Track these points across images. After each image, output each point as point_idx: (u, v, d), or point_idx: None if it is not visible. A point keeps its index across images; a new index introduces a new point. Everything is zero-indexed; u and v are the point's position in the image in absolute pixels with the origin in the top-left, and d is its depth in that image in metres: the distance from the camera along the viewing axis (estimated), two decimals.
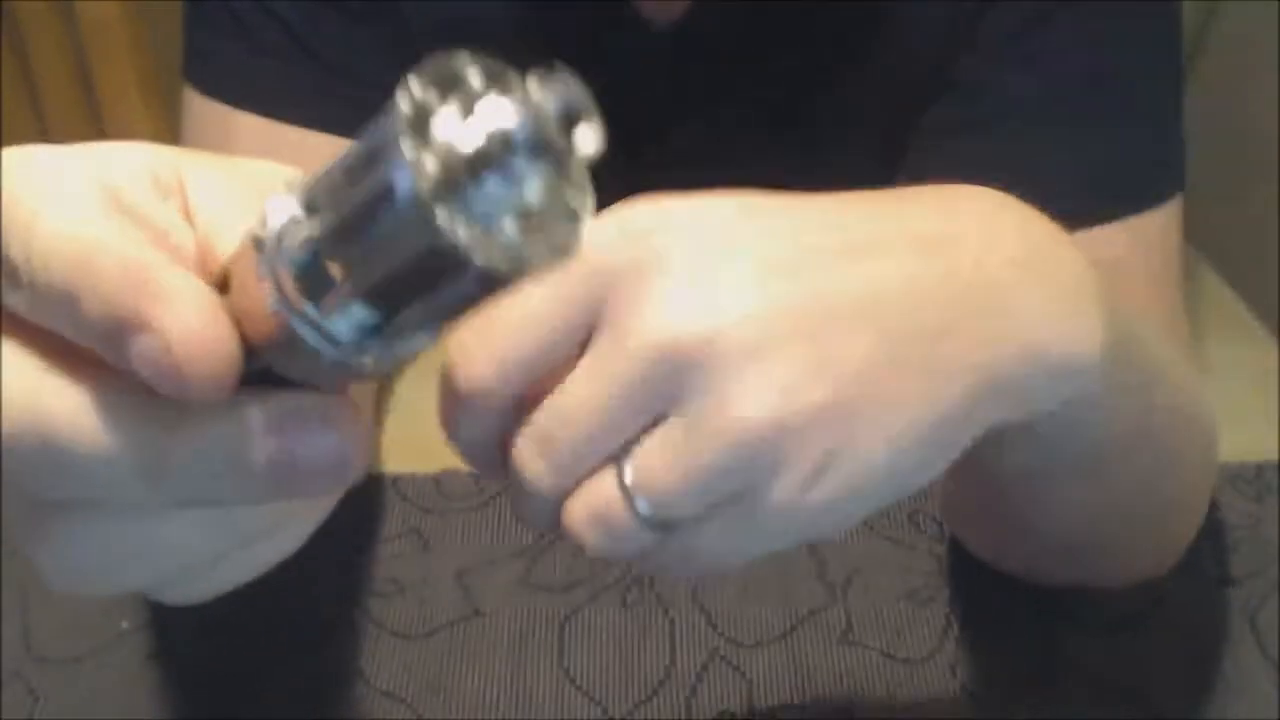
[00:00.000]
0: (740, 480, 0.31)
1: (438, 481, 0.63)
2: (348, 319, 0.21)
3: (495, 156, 0.18)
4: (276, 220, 0.21)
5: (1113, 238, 0.53)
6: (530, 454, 0.33)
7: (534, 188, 0.19)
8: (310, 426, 0.23)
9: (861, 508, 0.32)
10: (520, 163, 0.18)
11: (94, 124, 1.00)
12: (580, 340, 0.32)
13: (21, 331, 0.24)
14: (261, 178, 0.27)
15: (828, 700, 0.53)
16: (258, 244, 0.21)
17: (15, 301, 0.23)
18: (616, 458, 0.32)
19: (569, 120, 0.19)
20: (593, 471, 0.32)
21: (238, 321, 0.22)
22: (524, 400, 0.33)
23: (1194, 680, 0.54)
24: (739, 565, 0.33)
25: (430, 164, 0.18)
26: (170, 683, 0.54)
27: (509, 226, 0.19)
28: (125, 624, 0.57)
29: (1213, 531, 0.60)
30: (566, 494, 0.33)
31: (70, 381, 0.23)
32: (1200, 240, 0.78)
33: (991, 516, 0.53)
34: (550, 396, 0.32)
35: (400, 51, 0.57)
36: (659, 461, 0.31)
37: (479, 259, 0.19)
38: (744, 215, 0.32)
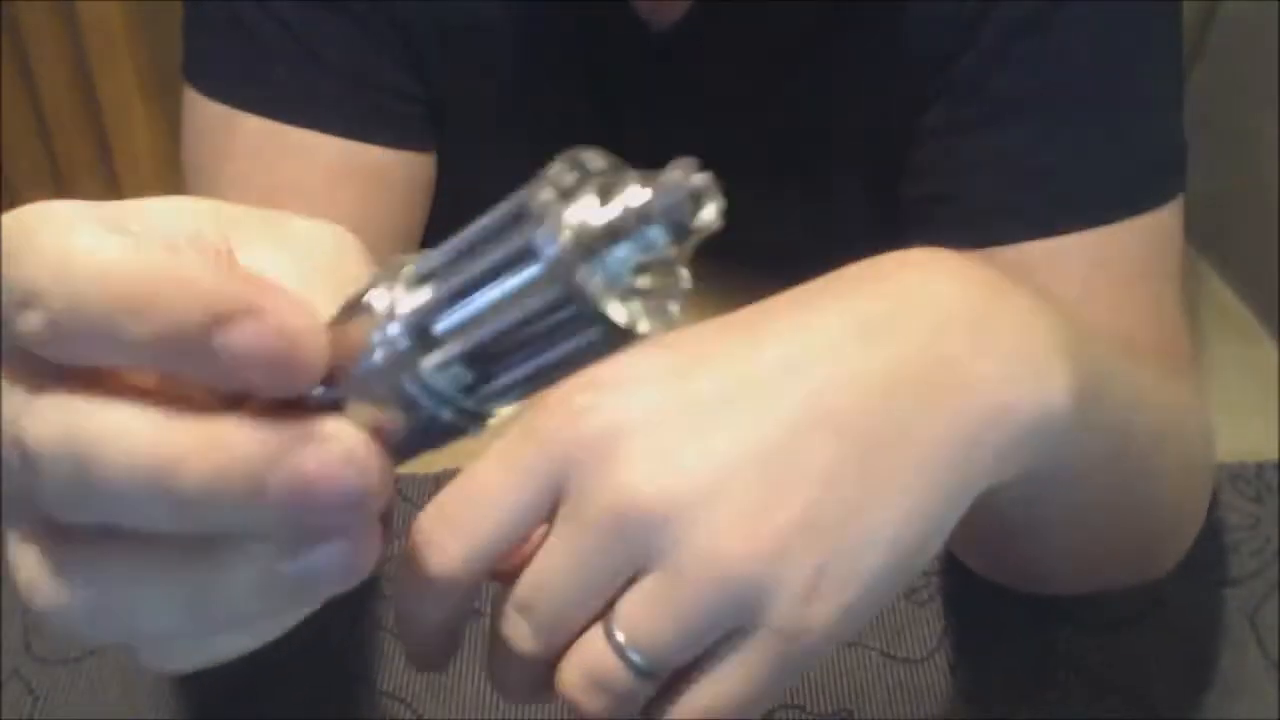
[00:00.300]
0: (733, 616, 0.31)
1: (438, 481, 0.63)
2: (448, 377, 0.22)
3: (631, 227, 0.20)
4: (384, 290, 0.22)
5: (1114, 238, 0.53)
6: (513, 620, 0.33)
7: (662, 254, 0.21)
8: (337, 452, 0.22)
9: (873, 605, 0.32)
10: (656, 234, 0.20)
11: (94, 124, 1.00)
12: (545, 515, 0.33)
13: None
14: (310, 236, 0.26)
15: (827, 700, 0.53)
16: (365, 305, 0.22)
17: (30, 328, 0.21)
18: (603, 616, 0.32)
19: (695, 200, 0.21)
20: (579, 632, 0.33)
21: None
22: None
23: (1194, 680, 0.54)
24: (768, 703, 0.33)
25: (569, 232, 0.20)
26: (170, 683, 0.54)
27: (628, 290, 0.21)
28: None
29: (1213, 531, 0.60)
30: (553, 656, 0.33)
31: (103, 404, 0.22)
32: (1200, 240, 0.78)
33: (975, 543, 0.54)
34: (527, 569, 0.33)
35: (401, 52, 0.57)
36: (646, 614, 0.31)
37: (610, 312, 0.20)
38: (673, 371, 0.33)
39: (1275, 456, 0.64)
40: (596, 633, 0.32)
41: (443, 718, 0.53)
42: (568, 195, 0.21)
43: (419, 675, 0.55)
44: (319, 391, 0.23)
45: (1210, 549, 0.59)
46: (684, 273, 0.22)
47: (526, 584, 0.33)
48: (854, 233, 0.67)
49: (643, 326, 0.21)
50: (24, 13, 0.96)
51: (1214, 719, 0.53)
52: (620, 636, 0.32)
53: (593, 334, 0.21)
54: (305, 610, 0.26)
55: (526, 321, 0.21)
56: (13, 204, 0.23)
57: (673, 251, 0.21)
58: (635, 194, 0.20)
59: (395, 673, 0.55)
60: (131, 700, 0.54)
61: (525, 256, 0.21)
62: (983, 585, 0.53)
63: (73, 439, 0.21)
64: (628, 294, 0.21)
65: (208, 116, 0.56)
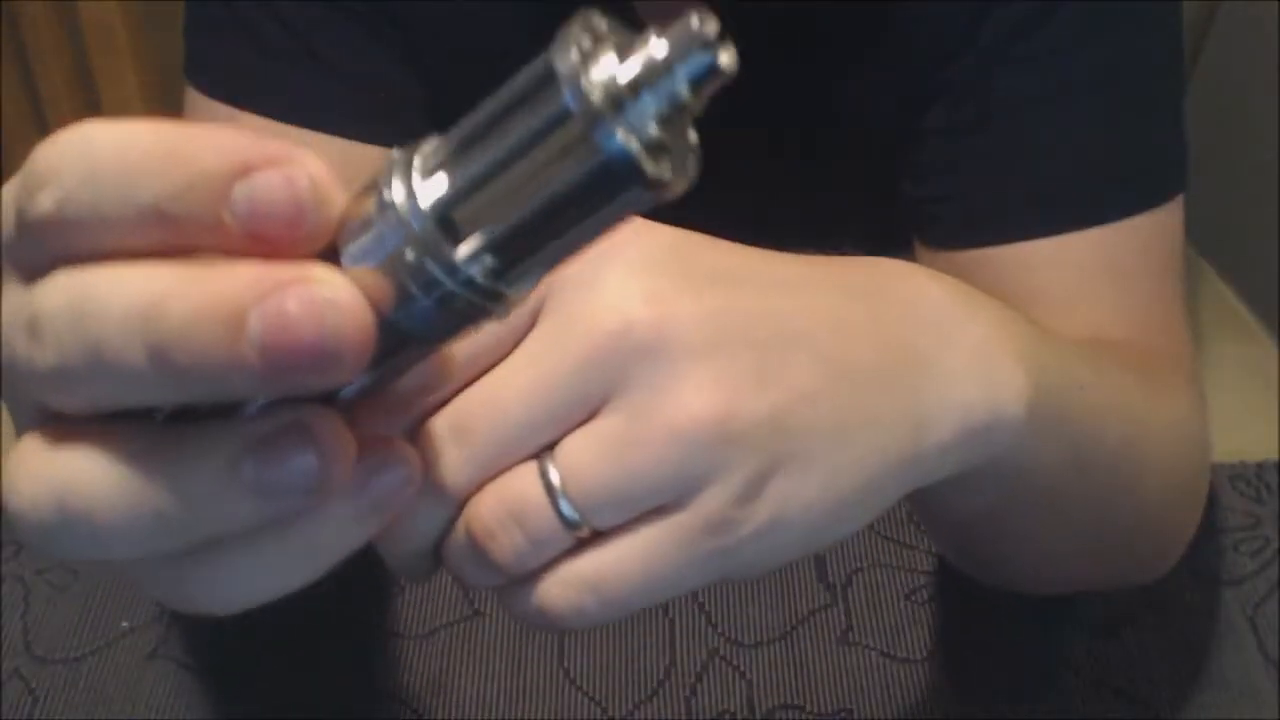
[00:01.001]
0: (673, 486, 0.29)
1: None
2: (478, 261, 0.22)
3: (655, 78, 0.21)
4: (397, 172, 0.22)
5: (1115, 237, 0.53)
6: (443, 443, 0.30)
7: (681, 103, 0.21)
8: (288, 446, 0.22)
9: (783, 544, 0.31)
10: (676, 82, 0.21)
11: None
12: (570, 428, 0.30)
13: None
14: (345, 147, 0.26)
15: (827, 700, 0.53)
16: (379, 195, 0.22)
17: (40, 210, 0.22)
18: (538, 456, 0.30)
19: (711, 46, 0.21)
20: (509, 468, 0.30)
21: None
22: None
23: (1194, 680, 0.54)
24: (638, 606, 0.31)
25: (599, 90, 0.20)
26: (170, 682, 0.55)
27: (653, 145, 0.21)
28: (125, 624, 0.57)
29: (1213, 531, 0.60)
30: (468, 494, 0.30)
31: (102, 265, 0.22)
32: (1200, 240, 0.78)
33: (949, 542, 0.54)
34: (472, 388, 0.30)
35: (401, 53, 0.57)
36: (591, 456, 0.29)
37: (646, 167, 0.21)
38: (685, 238, 0.32)
39: (1275, 456, 0.64)
40: (528, 468, 0.30)
41: (443, 718, 0.53)
42: (588, 56, 0.21)
43: (419, 675, 0.55)
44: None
45: (1210, 549, 0.60)
46: (692, 131, 0.22)
47: (470, 404, 0.30)
48: (853, 233, 0.67)
49: (675, 182, 0.21)
50: (24, 13, 0.96)
51: (1214, 719, 0.53)
52: (555, 476, 0.29)
53: (629, 194, 0.21)
54: (282, 545, 0.25)
55: (562, 192, 0.21)
56: None
57: (691, 101, 0.21)
58: (656, 45, 0.21)
59: (395, 673, 0.55)
60: (132, 700, 0.54)
61: (557, 121, 0.21)
62: (983, 585, 0.53)
63: (73, 295, 0.22)
64: (653, 149, 0.21)
65: (208, 116, 0.56)
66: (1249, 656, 0.55)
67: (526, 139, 0.21)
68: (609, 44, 0.21)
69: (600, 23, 0.21)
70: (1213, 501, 0.61)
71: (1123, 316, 0.53)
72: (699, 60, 0.21)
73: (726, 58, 0.21)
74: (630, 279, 0.30)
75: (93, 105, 1.00)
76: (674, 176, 0.21)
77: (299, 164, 0.22)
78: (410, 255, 0.21)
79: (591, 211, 0.22)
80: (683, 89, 0.21)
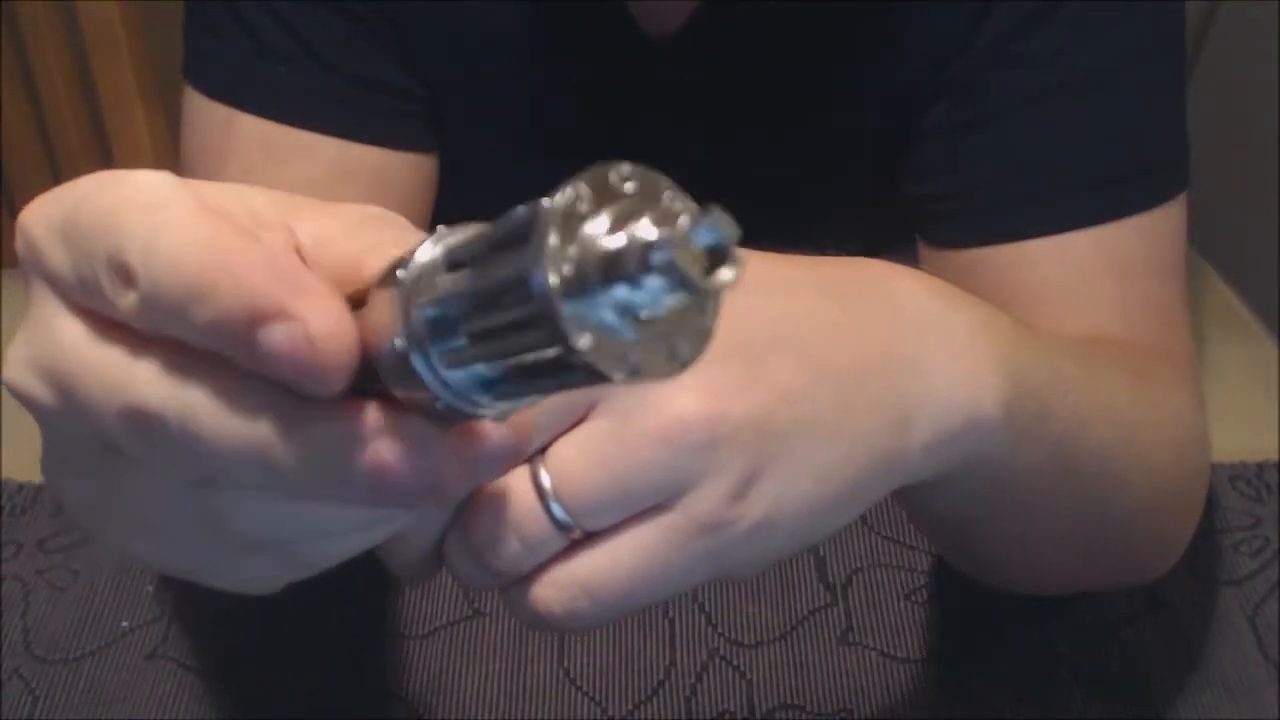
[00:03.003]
0: (664, 487, 0.30)
1: None
2: (466, 373, 0.21)
3: (631, 271, 0.19)
4: (421, 260, 0.22)
5: (1116, 236, 0.53)
6: None
7: (664, 307, 0.19)
8: (408, 444, 0.23)
9: (773, 542, 0.32)
10: (655, 284, 0.19)
11: (94, 124, 1.00)
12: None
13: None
14: (364, 217, 0.27)
15: (827, 700, 0.53)
16: (397, 279, 0.22)
17: (127, 304, 0.23)
18: (529, 460, 0.30)
19: (715, 254, 0.19)
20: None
21: (363, 339, 0.23)
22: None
23: (1194, 680, 0.54)
24: (631, 607, 0.31)
25: (568, 266, 0.19)
26: (171, 682, 0.55)
27: (630, 332, 0.20)
28: (125, 624, 0.57)
29: (1213, 531, 0.60)
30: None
31: (196, 377, 0.23)
32: (1200, 240, 0.78)
33: (947, 548, 0.54)
34: None
35: (401, 54, 0.57)
36: (581, 460, 0.30)
37: (598, 363, 0.19)
38: None
39: (1275, 456, 0.64)
40: (520, 472, 0.30)
41: (443, 718, 0.53)
42: (574, 219, 0.19)
43: (419, 675, 0.55)
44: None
45: (1210, 549, 0.60)
46: (709, 316, 0.21)
47: None
48: (852, 233, 0.67)
49: (642, 376, 0.20)
50: (24, 13, 0.96)
51: (1214, 719, 0.53)
52: (546, 480, 0.30)
53: (580, 377, 0.20)
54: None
55: (525, 349, 0.20)
56: (13, 204, 0.24)
57: (678, 303, 0.19)
58: (646, 234, 0.19)
59: (395, 673, 0.55)
60: (132, 700, 0.54)
61: (518, 284, 0.19)
62: (982, 585, 0.53)
63: (180, 418, 0.23)
64: (632, 328, 0.19)
65: (208, 116, 0.56)
66: (1249, 656, 0.55)
67: (495, 293, 0.20)
68: (613, 207, 0.19)
69: (620, 174, 0.20)
70: (1213, 501, 0.61)
71: (1123, 316, 0.52)
72: (682, 268, 0.18)
73: (727, 274, 0.19)
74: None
75: (93, 105, 1.00)
76: (650, 371, 0.20)
77: (301, 315, 0.22)
78: (415, 361, 0.22)
79: (553, 377, 0.20)
80: (661, 291, 0.19)
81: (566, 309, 0.19)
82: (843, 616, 0.57)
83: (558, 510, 0.30)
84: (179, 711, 0.53)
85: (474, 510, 0.31)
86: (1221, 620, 0.57)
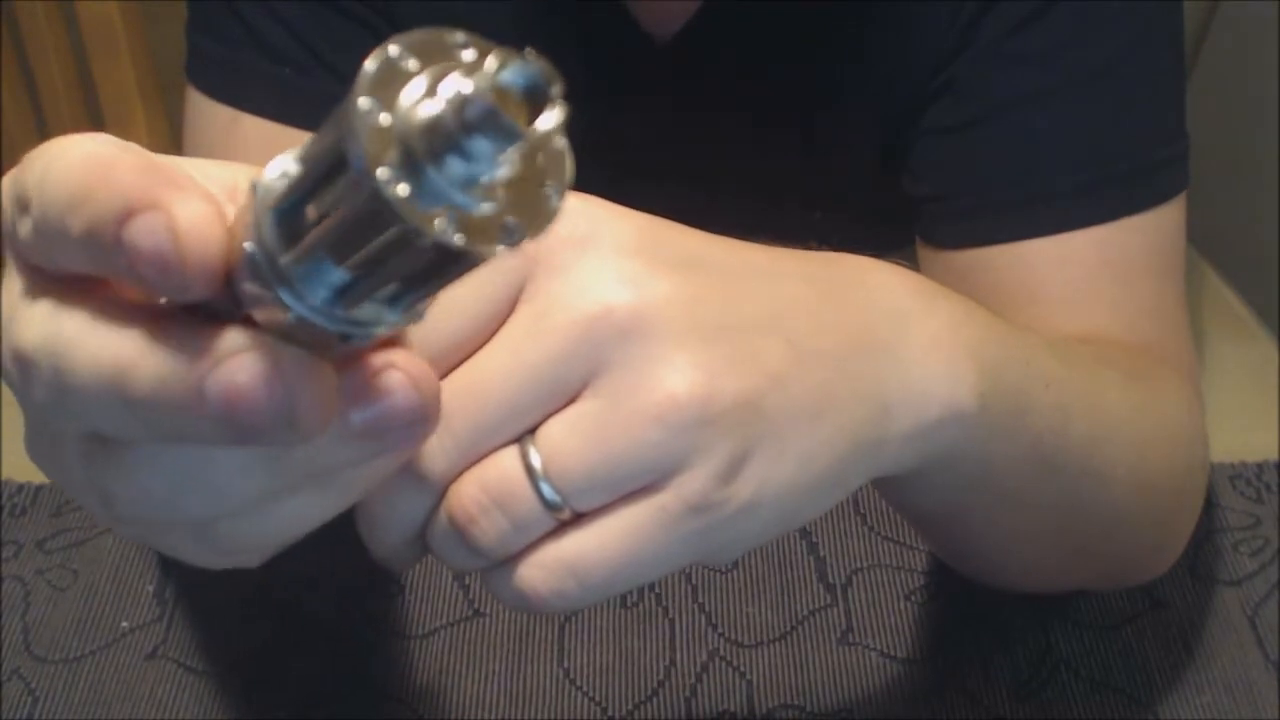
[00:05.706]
0: (654, 467, 0.30)
1: None
2: (318, 278, 0.21)
3: (448, 132, 0.18)
4: (274, 169, 0.21)
5: (1116, 236, 0.53)
6: None
7: (491, 165, 0.18)
8: (262, 366, 0.22)
9: (759, 525, 0.32)
10: (483, 146, 0.18)
11: (94, 124, 1.00)
12: (553, 411, 0.30)
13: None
14: None
15: (827, 700, 0.53)
16: (252, 189, 0.22)
17: (25, 233, 0.23)
18: (519, 440, 0.30)
19: (534, 99, 0.19)
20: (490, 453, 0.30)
21: (230, 262, 0.22)
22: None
23: (1194, 680, 0.54)
24: (618, 588, 0.31)
25: (387, 134, 0.18)
26: (170, 682, 0.55)
27: (471, 200, 0.19)
28: (125, 624, 0.57)
29: (1213, 531, 0.60)
30: (448, 483, 0.31)
31: (67, 312, 0.24)
32: (1200, 240, 0.78)
33: (935, 545, 0.54)
34: (453, 375, 0.30)
35: None
36: (572, 440, 0.30)
37: (433, 232, 0.18)
38: (654, 223, 0.32)
39: (1275, 456, 0.64)
40: (510, 451, 0.30)
41: (442, 718, 0.53)
42: (390, 86, 0.18)
43: (419, 675, 0.55)
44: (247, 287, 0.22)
45: (1210, 549, 0.60)
46: (553, 169, 0.20)
47: (451, 392, 0.29)
48: (853, 232, 0.67)
49: (495, 242, 0.19)
50: (24, 13, 0.96)
51: (1214, 719, 0.53)
52: (536, 460, 0.30)
53: (425, 254, 0.19)
54: (360, 473, 0.27)
55: (363, 231, 0.19)
56: None
57: (510, 161, 0.18)
58: (457, 86, 0.18)
59: (395, 673, 0.55)
60: (132, 700, 0.54)
61: (343, 161, 0.19)
62: (982, 585, 0.53)
63: (49, 341, 0.24)
64: (480, 200, 0.19)
65: (209, 117, 0.56)
66: (1249, 656, 0.55)
67: (324, 180, 0.20)
68: (430, 71, 0.19)
69: (452, 41, 0.19)
70: (1213, 501, 0.61)
71: (1123, 315, 0.53)
72: (499, 119, 0.18)
73: (549, 119, 0.18)
74: (606, 263, 0.30)
75: (93, 105, 0.99)
76: (505, 236, 0.19)
77: (168, 206, 0.21)
78: (273, 280, 0.21)
79: (405, 260, 0.20)
80: (487, 152, 0.18)
81: (391, 180, 0.18)
82: (843, 617, 0.57)
83: (547, 490, 0.30)
84: (179, 711, 0.53)
85: (459, 491, 0.30)
86: (1221, 620, 0.57)
